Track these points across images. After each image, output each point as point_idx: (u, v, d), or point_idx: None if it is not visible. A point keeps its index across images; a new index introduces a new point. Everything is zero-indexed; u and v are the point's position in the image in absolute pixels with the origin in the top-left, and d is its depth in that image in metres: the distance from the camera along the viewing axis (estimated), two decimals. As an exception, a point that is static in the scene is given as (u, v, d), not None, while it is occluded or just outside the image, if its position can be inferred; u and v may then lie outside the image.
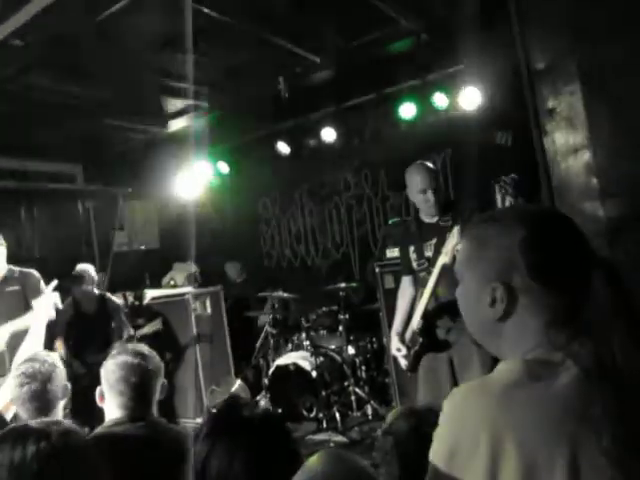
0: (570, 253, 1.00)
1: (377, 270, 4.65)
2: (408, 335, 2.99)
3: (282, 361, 4.94)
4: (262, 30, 4.09)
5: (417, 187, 2.97)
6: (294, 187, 6.76)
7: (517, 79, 3.08)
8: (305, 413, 4.76)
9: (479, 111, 4.88)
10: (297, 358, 4.87)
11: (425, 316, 2.92)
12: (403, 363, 3.04)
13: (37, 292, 3.75)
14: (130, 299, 5.19)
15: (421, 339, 2.94)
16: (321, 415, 4.62)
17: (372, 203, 6.19)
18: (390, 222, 5.52)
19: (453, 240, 2.73)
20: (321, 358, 4.84)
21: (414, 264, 3.07)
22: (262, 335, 5.67)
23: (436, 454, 0.93)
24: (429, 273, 2.90)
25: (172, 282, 5.97)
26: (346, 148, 5.85)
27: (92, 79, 4.44)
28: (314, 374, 4.69)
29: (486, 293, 1.00)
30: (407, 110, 5.18)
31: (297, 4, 3.84)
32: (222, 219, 6.92)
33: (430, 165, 3.05)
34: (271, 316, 5.58)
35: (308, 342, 4.96)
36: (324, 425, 4.56)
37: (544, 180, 2.72)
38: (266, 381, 5.02)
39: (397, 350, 3.02)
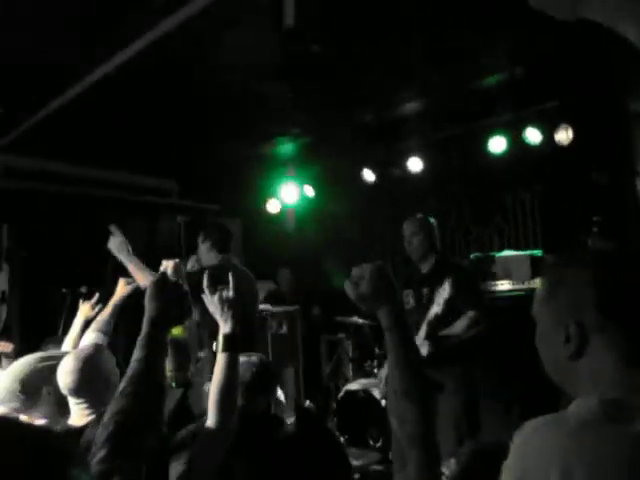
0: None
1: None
2: None
3: (352, 387, 4.93)
4: (357, 61, 4.21)
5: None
6: (377, 215, 6.79)
7: (614, 120, 3.01)
8: (371, 442, 4.71)
9: (572, 149, 4.74)
10: (368, 385, 4.85)
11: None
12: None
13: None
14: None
15: None
16: (387, 446, 4.56)
17: (455, 235, 6.12)
18: (472, 256, 5.43)
19: (444, 292, 2.97)
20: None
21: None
22: (334, 359, 5.68)
23: None
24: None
25: (251, 299, 6.11)
26: (431, 179, 5.84)
27: (194, 98, 4.72)
28: (384, 403, 4.65)
29: (560, 332, 1.01)
30: (497, 144, 5.11)
31: (395, 37, 3.93)
32: (304, 242, 7.06)
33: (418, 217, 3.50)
34: (346, 341, 5.60)
35: (379, 370, 4.92)
36: (389, 456, 4.49)
37: (635, 222, 2.62)
38: (334, 405, 5.02)
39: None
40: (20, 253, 4.79)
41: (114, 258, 3.09)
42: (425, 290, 3.35)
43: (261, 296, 6.16)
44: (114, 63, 3.71)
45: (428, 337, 3.11)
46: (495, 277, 4.54)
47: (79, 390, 1.99)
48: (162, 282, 1.52)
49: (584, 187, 4.67)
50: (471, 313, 3.18)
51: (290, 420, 2.23)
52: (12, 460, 0.79)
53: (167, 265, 2.58)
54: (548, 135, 4.82)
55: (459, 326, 3.19)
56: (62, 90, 4.15)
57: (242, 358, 2.10)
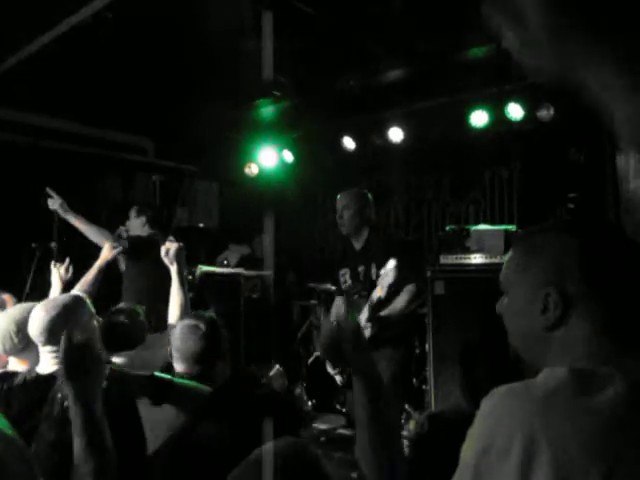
0: (626, 262, 0.98)
1: (428, 275, 4.60)
2: None
3: (322, 353, 4.98)
4: (343, 26, 4.12)
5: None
6: (354, 183, 6.76)
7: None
8: (338, 407, 4.78)
9: (553, 126, 4.75)
10: (337, 352, 4.89)
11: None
12: (339, 380, 3.28)
13: None
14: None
15: None
16: (353, 411, 4.62)
17: (432, 208, 6.13)
18: (447, 229, 5.46)
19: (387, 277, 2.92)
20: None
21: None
22: (305, 324, 5.72)
23: (467, 451, 0.93)
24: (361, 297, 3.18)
25: (225, 262, 6.10)
26: (412, 150, 5.81)
27: (174, 57, 4.59)
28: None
29: (538, 301, 0.98)
30: (478, 118, 5.09)
31: (381, 2, 3.85)
32: (281, 207, 7.02)
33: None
34: (319, 308, 5.63)
35: (350, 337, 4.97)
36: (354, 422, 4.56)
37: (611, 199, 2.64)
38: (304, 370, 5.06)
39: (332, 371, 3.27)
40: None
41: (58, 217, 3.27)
42: (360, 268, 3.31)
43: (235, 260, 6.16)
44: (92, 9, 3.58)
45: (370, 319, 3.09)
46: (469, 250, 4.58)
47: (49, 338, 1.97)
48: (77, 357, 1.40)
49: (563, 164, 4.69)
50: (410, 287, 3.17)
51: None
52: None
53: (169, 247, 2.55)
54: (530, 111, 4.82)
55: (400, 302, 3.17)
56: (34, 37, 3.99)
57: (190, 322, 2.08)
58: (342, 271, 3.44)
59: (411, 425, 1.35)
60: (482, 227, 4.86)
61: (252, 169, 6.54)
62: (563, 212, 3.60)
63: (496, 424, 0.90)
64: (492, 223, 5.26)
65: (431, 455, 1.33)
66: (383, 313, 3.13)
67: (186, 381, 2.01)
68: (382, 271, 2.98)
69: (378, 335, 3.09)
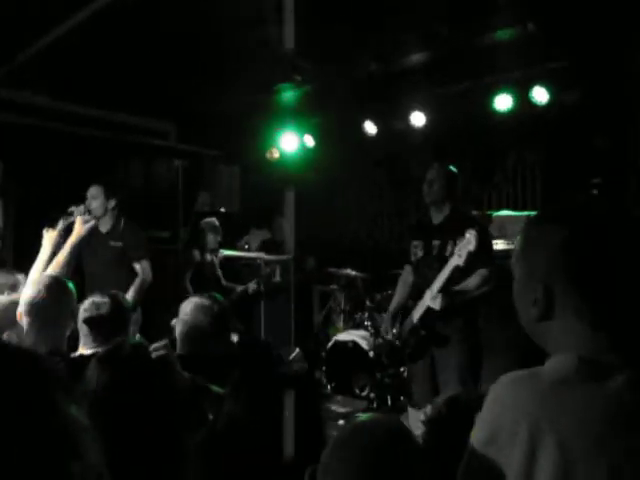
0: (615, 254, 0.96)
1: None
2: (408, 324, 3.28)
3: (342, 337, 5.01)
4: (365, 9, 4.08)
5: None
6: (377, 168, 6.74)
7: (622, 84, 2.94)
8: (357, 391, 4.82)
9: (577, 111, 4.66)
10: (357, 336, 4.92)
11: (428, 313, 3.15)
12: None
13: (139, 248, 3.96)
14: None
15: (423, 332, 3.20)
16: (373, 395, 4.66)
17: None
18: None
19: (469, 245, 2.90)
20: (380, 340, 4.86)
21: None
22: (326, 308, 5.75)
23: (475, 437, 0.94)
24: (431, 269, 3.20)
25: (246, 246, 6.14)
26: (434, 134, 5.75)
27: (197, 42, 4.60)
28: (371, 354, 4.73)
29: (529, 292, 1.00)
30: (503, 102, 5.01)
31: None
32: (301, 192, 7.02)
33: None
34: (339, 293, 5.65)
35: (370, 322, 4.99)
36: (374, 405, 4.60)
37: (634, 184, 2.59)
38: (324, 354, 5.10)
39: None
40: (14, 189, 4.76)
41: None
42: (435, 242, 3.28)
43: (255, 245, 6.19)
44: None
45: (443, 290, 3.06)
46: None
47: None
48: None
49: (587, 150, 4.61)
50: (483, 271, 3.13)
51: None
52: None
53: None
54: (555, 95, 4.73)
55: (471, 283, 3.14)
56: (58, 23, 4.03)
57: (198, 301, 2.17)
58: (415, 242, 3.42)
59: (429, 409, 1.36)
60: (504, 213, 4.83)
61: (273, 154, 6.54)
62: (587, 198, 3.55)
63: (502, 412, 0.92)
64: (515, 209, 5.20)
65: (448, 439, 1.34)
66: (457, 288, 3.12)
67: None
68: (460, 242, 2.95)
69: (449, 308, 3.10)
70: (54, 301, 2.26)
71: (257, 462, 1.24)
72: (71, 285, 2.40)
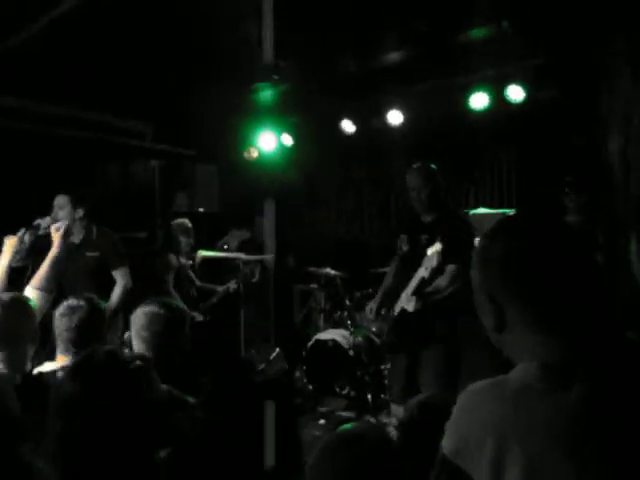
0: (546, 266, 0.97)
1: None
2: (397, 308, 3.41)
3: (322, 336, 5.01)
4: (342, 8, 4.08)
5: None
6: (355, 166, 6.75)
7: (596, 82, 2.98)
8: (338, 390, 4.82)
9: (553, 108, 4.71)
10: (337, 335, 4.92)
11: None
12: None
13: (117, 255, 3.90)
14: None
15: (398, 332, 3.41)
16: (353, 394, 4.67)
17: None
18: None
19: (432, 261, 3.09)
20: (360, 338, 4.87)
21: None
22: (306, 308, 5.74)
23: (445, 447, 0.96)
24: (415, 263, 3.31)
25: (226, 247, 6.10)
26: (411, 133, 5.78)
27: (174, 42, 4.55)
28: (351, 353, 4.74)
29: (482, 304, 1.02)
30: (479, 100, 5.04)
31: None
32: (280, 191, 7.00)
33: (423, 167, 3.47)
34: (318, 292, 5.65)
35: (349, 321, 4.99)
36: (354, 404, 4.61)
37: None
38: (304, 354, 5.10)
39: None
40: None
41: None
42: (424, 237, 3.38)
43: (235, 244, 6.17)
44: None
45: (415, 293, 3.23)
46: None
47: None
48: None
49: (562, 148, 4.67)
50: (452, 267, 3.24)
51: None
52: None
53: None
54: (530, 93, 4.77)
55: (442, 282, 3.27)
56: (31, 21, 3.96)
57: (148, 311, 2.11)
58: (403, 236, 3.55)
59: (400, 412, 1.36)
60: (481, 210, 4.87)
61: (252, 153, 6.51)
62: (562, 196, 3.60)
63: (469, 422, 0.93)
64: (491, 206, 5.25)
65: (419, 442, 1.35)
66: (428, 290, 3.28)
67: None
68: (429, 251, 3.11)
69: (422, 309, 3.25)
70: (14, 322, 2.17)
71: (233, 472, 1.23)
72: (33, 304, 2.34)
